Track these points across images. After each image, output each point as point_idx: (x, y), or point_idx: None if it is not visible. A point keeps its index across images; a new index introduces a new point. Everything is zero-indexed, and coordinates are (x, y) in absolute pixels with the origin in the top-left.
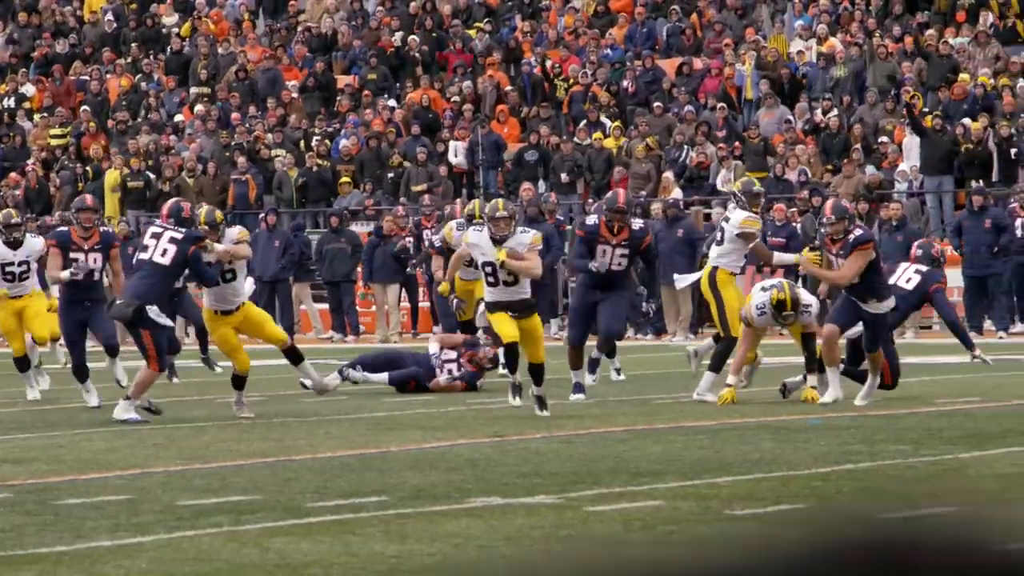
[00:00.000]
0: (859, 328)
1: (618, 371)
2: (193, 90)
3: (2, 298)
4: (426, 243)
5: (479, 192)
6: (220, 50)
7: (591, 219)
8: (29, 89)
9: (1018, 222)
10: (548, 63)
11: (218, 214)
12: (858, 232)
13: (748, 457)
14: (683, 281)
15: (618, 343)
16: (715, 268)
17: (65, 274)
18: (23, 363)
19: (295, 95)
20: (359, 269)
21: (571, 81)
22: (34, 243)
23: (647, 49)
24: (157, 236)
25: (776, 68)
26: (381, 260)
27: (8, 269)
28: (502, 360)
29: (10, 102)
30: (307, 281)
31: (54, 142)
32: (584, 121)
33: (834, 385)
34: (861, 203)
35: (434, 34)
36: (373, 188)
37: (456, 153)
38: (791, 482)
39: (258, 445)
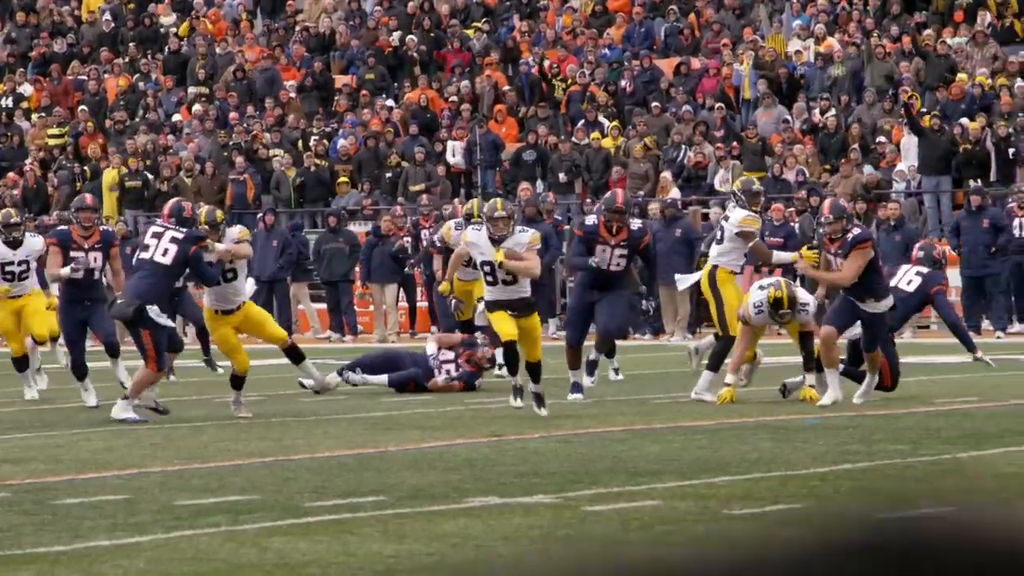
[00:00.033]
0: (859, 329)
1: (616, 371)
2: (191, 90)
3: (3, 295)
4: (424, 242)
5: (477, 192)
6: (218, 50)
7: (590, 219)
8: (27, 89)
9: (1016, 222)
10: (546, 63)
11: (219, 213)
12: (856, 231)
13: (746, 457)
14: (684, 282)
15: (617, 343)
16: (715, 267)
17: (65, 270)
18: (21, 363)
19: (293, 95)
20: (357, 269)
21: (569, 81)
22: (34, 243)
23: (645, 49)
24: (158, 236)
25: (774, 68)
26: (379, 260)
27: (8, 269)
28: (499, 361)
29: (8, 102)
30: (305, 281)
31: (52, 142)
32: (582, 121)
33: (833, 387)
34: (859, 203)
35: (432, 34)
36: (371, 188)
37: (454, 153)
38: (789, 482)
39: (256, 445)
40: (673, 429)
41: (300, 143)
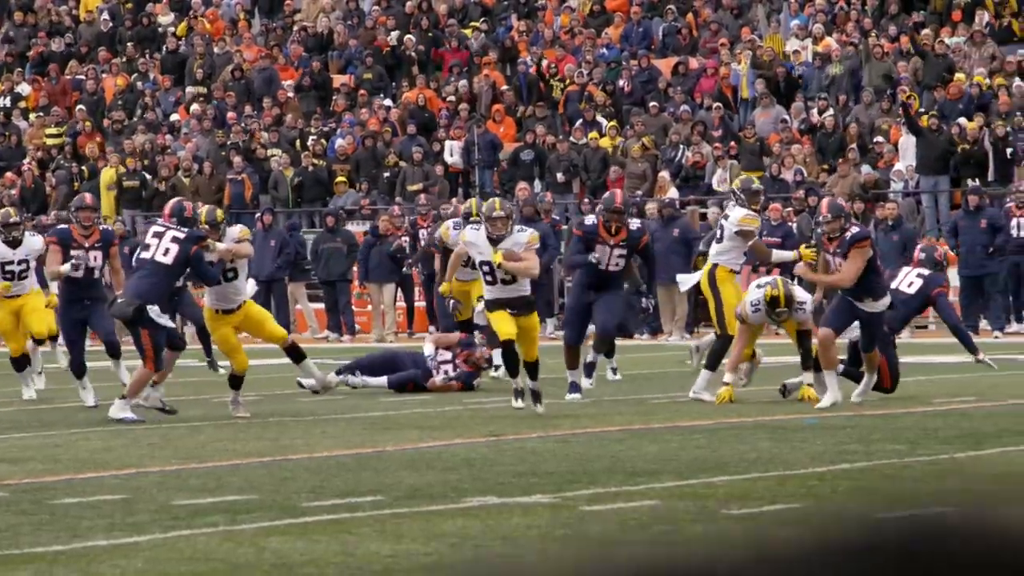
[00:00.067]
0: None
1: (615, 370)
2: (189, 89)
3: (2, 292)
4: (422, 242)
5: (475, 191)
6: (216, 49)
7: (589, 219)
8: (25, 88)
9: (1014, 222)
10: (544, 63)
11: (219, 213)
12: (854, 230)
13: (745, 456)
14: (686, 282)
15: (616, 343)
16: (715, 265)
17: (66, 267)
18: (20, 363)
19: (291, 94)
20: (355, 268)
21: (567, 81)
22: (33, 242)
23: (643, 49)
24: (159, 235)
25: (772, 67)
26: (377, 260)
27: (8, 268)
28: (496, 362)
29: (6, 101)
30: (302, 281)
31: (50, 141)
32: (580, 120)
33: (832, 389)
34: (857, 202)
35: (430, 34)
36: (369, 188)
37: (452, 152)
38: (787, 482)
39: (254, 445)
40: (671, 429)
41: (298, 143)
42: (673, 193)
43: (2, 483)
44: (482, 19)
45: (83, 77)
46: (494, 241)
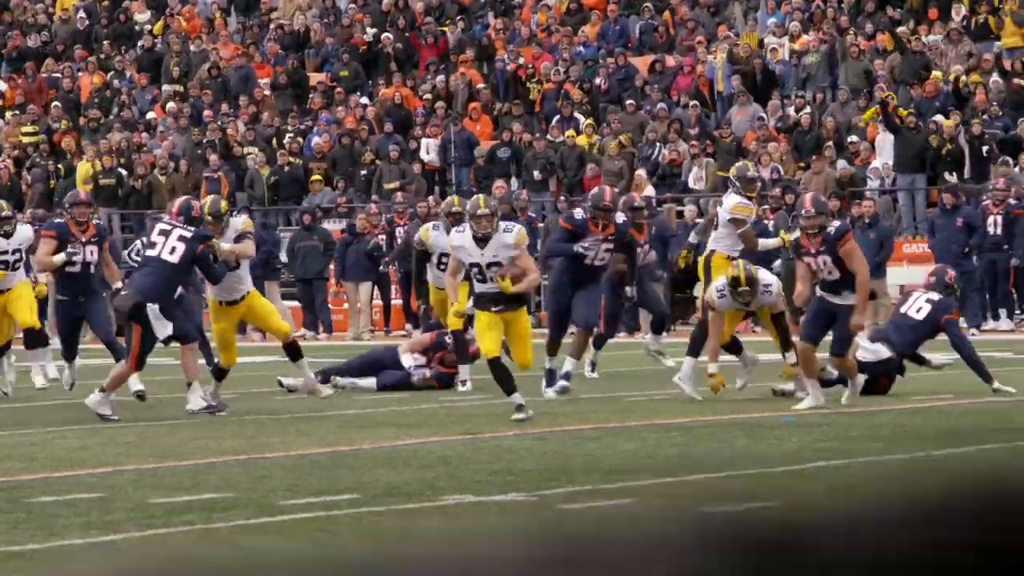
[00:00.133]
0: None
1: (593, 366)
2: (165, 87)
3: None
4: (399, 240)
5: (451, 189)
6: (192, 47)
7: (579, 213)
8: (0, 86)
9: (990, 219)
10: (521, 60)
11: (223, 204)
12: (836, 224)
13: (721, 454)
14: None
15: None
16: (711, 252)
17: (59, 257)
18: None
19: (267, 92)
20: (331, 267)
21: (543, 82)
22: (24, 230)
23: (620, 46)
24: (165, 233)
25: (748, 62)
26: (354, 258)
27: (2, 259)
28: (463, 376)
29: None
30: (274, 280)
31: (26, 139)
32: (557, 117)
33: (814, 394)
34: (833, 200)
35: (406, 33)
36: (345, 186)
37: (428, 150)
38: (764, 479)
39: (230, 443)
40: (648, 427)
41: (274, 141)
42: (649, 191)
43: None
44: (459, 16)
45: (59, 75)
46: (480, 240)
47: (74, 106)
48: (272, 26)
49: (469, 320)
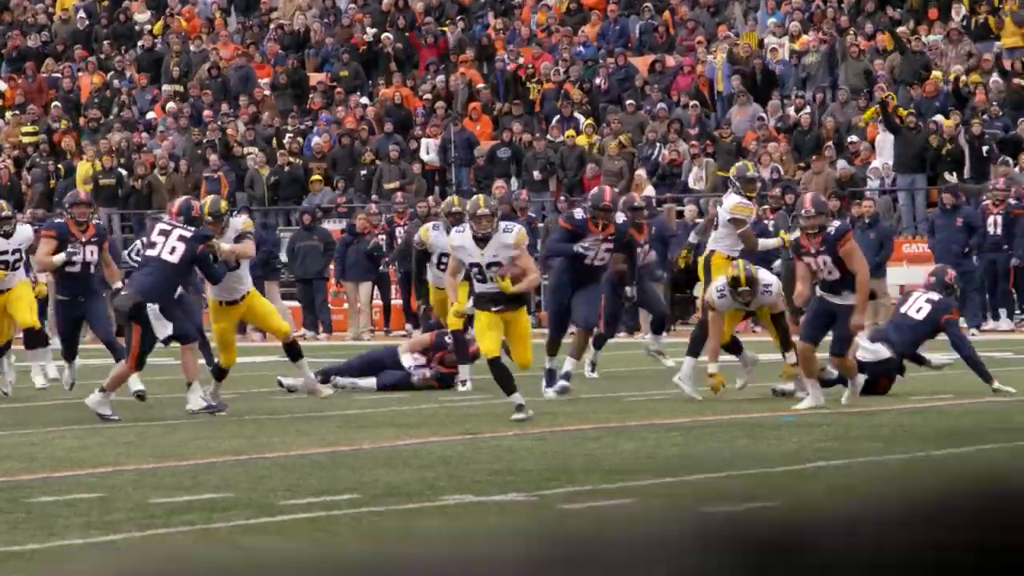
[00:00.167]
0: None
1: (593, 367)
2: (165, 87)
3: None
4: (399, 240)
5: (451, 189)
6: (192, 47)
7: (579, 213)
8: (0, 86)
9: (990, 219)
10: (521, 60)
11: (223, 204)
12: (836, 224)
13: (721, 454)
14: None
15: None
16: (711, 251)
17: (59, 257)
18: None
19: (267, 92)
20: (331, 267)
21: (544, 79)
22: (24, 230)
23: (620, 47)
24: (165, 233)
25: (748, 62)
26: (354, 258)
27: (2, 259)
28: (463, 377)
29: None
30: (274, 280)
31: (26, 139)
32: (557, 117)
33: (814, 394)
34: (833, 200)
35: (406, 33)
36: (345, 186)
37: (428, 150)
38: (764, 479)
39: (230, 443)
40: (648, 427)
41: (274, 141)
42: (649, 191)
43: None
44: (459, 16)
45: (59, 75)
46: (480, 240)
47: (74, 106)
48: (272, 26)
49: (469, 320)
